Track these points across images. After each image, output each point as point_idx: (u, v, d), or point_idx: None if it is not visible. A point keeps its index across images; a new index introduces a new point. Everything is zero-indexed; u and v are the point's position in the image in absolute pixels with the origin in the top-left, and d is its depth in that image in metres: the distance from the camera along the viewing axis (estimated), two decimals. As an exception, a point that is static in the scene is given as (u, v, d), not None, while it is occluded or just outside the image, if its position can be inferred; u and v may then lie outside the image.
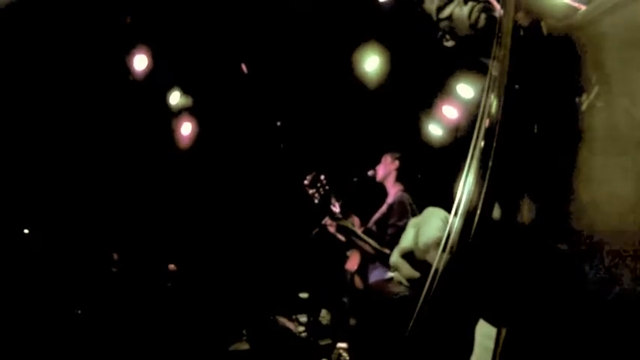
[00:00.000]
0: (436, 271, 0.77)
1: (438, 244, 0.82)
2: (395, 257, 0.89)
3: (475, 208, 0.76)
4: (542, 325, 0.76)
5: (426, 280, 0.75)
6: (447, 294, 0.76)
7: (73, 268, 4.91)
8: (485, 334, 0.79)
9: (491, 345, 0.77)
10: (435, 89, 4.82)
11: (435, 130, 4.97)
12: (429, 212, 0.89)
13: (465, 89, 4.60)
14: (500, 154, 0.78)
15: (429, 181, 3.99)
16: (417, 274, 0.85)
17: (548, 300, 0.76)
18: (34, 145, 4.89)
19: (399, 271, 0.88)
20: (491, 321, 0.78)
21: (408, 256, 0.90)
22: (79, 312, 4.62)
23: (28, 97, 4.63)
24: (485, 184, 0.77)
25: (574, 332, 0.73)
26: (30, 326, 4.11)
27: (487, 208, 0.77)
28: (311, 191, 3.73)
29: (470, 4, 1.13)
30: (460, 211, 0.77)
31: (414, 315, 0.78)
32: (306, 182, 3.75)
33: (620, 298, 0.69)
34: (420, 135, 4.99)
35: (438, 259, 0.76)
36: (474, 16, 1.12)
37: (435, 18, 1.22)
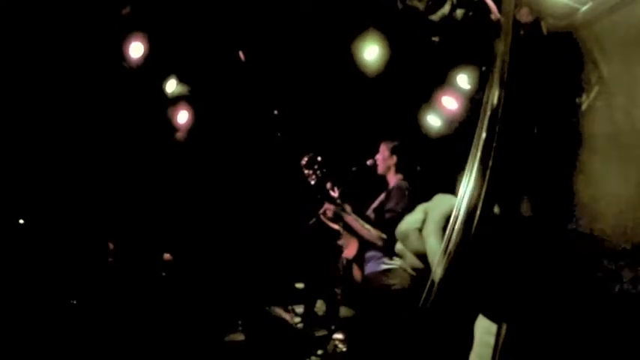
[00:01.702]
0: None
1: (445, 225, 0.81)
2: (399, 245, 0.89)
3: (476, 206, 0.76)
4: (542, 321, 0.77)
5: (429, 272, 0.76)
6: (448, 291, 0.77)
7: (68, 257, 4.90)
8: (485, 329, 0.80)
9: (492, 340, 0.78)
10: (435, 80, 4.80)
11: (433, 121, 4.97)
12: (439, 197, 0.88)
13: (465, 80, 4.59)
14: (502, 152, 0.79)
15: (429, 173, 4.00)
16: (420, 264, 0.86)
17: (548, 297, 0.77)
18: (27, 134, 4.85)
19: (403, 259, 0.88)
20: (491, 317, 0.79)
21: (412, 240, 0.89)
22: (74, 302, 4.62)
23: (19, 85, 4.59)
24: (486, 182, 0.78)
25: (574, 329, 0.74)
26: (25, 315, 4.11)
27: (488, 206, 0.77)
28: (307, 172, 3.72)
29: (463, 9, 1.11)
30: (463, 209, 0.78)
31: (416, 310, 0.79)
32: (302, 163, 3.74)
33: (620, 297, 0.70)
34: (419, 126, 4.99)
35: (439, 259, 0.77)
36: (467, 19, 1.11)
37: (422, 9, 1.21)
